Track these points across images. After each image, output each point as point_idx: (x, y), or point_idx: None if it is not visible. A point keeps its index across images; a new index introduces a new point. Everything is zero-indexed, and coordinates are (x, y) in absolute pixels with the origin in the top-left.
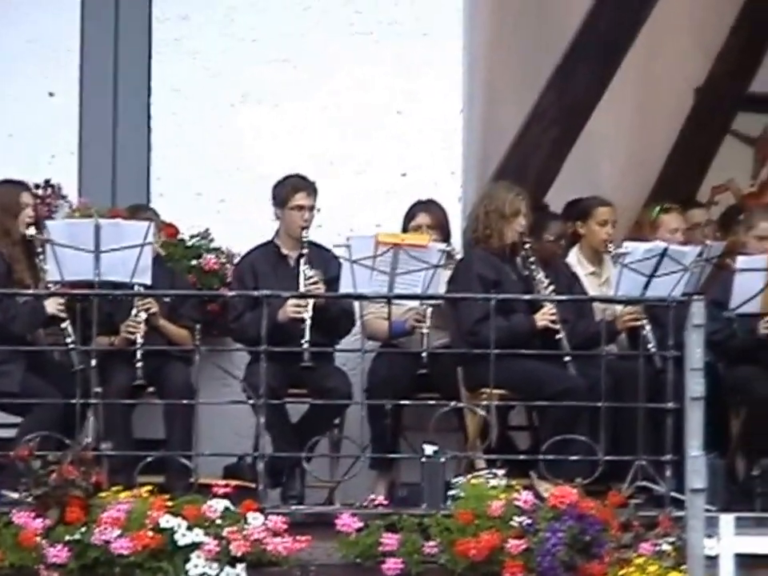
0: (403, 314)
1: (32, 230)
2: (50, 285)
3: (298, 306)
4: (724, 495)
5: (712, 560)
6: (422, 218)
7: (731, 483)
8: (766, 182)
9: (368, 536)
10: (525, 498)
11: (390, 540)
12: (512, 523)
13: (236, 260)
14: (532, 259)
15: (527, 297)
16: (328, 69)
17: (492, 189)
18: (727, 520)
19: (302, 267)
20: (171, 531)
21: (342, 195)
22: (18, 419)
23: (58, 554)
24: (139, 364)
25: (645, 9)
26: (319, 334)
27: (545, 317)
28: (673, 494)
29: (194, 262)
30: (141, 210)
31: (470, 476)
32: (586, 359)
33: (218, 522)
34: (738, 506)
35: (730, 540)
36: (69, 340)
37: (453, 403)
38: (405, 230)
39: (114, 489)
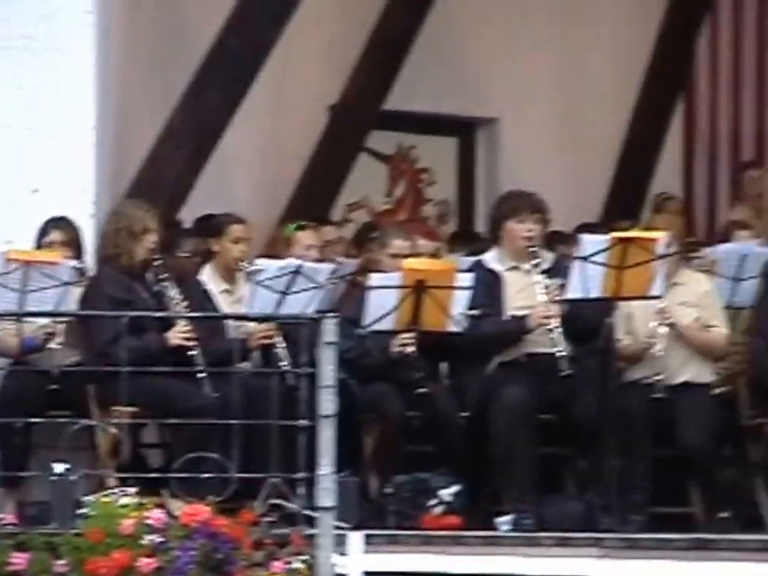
0: (34, 330)
1: None
2: None
3: None
4: (357, 513)
5: None
6: (55, 235)
7: (365, 501)
8: (400, 199)
9: None
10: (156, 516)
11: (19, 559)
12: (143, 542)
13: None
14: (163, 276)
15: (159, 314)
16: None
17: (120, 206)
18: (356, 537)
19: None
20: None
21: None
22: None
23: None
24: None
25: (275, 29)
26: None
27: (177, 334)
28: (305, 511)
29: None
30: None
31: (100, 494)
32: (219, 376)
33: None
34: (372, 523)
35: (359, 557)
36: None
37: (83, 421)
38: (38, 246)
39: None
